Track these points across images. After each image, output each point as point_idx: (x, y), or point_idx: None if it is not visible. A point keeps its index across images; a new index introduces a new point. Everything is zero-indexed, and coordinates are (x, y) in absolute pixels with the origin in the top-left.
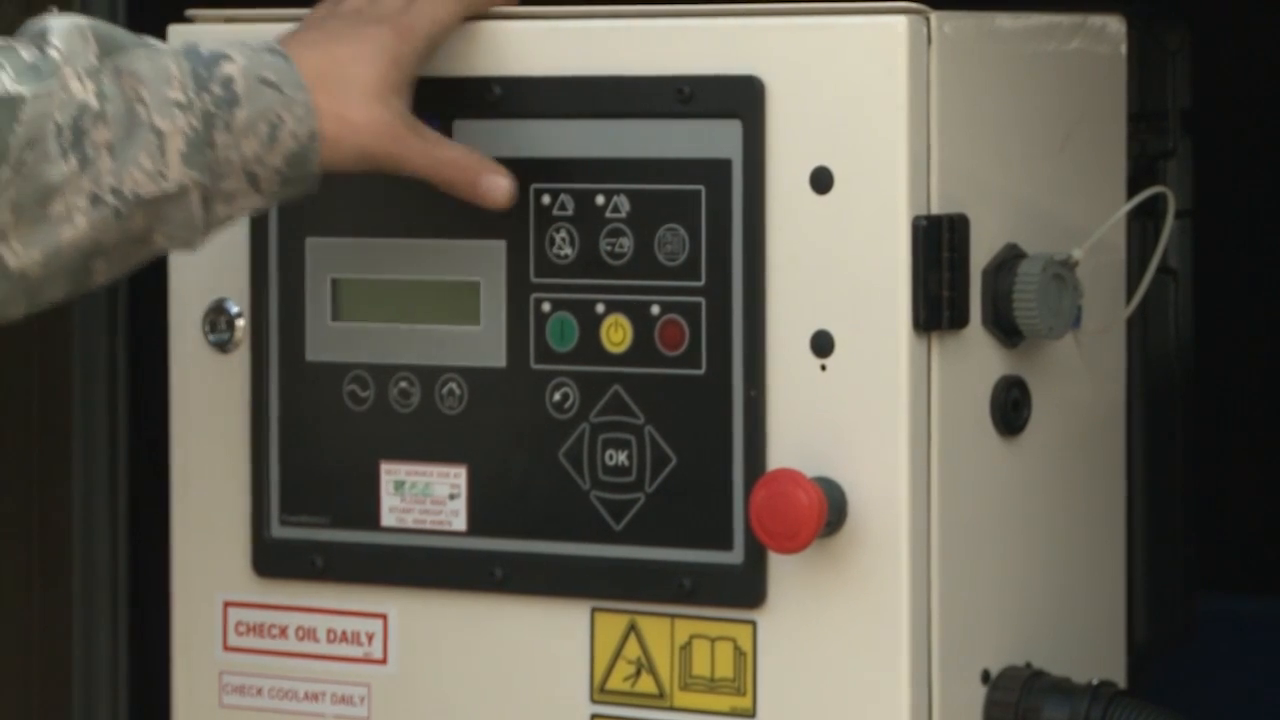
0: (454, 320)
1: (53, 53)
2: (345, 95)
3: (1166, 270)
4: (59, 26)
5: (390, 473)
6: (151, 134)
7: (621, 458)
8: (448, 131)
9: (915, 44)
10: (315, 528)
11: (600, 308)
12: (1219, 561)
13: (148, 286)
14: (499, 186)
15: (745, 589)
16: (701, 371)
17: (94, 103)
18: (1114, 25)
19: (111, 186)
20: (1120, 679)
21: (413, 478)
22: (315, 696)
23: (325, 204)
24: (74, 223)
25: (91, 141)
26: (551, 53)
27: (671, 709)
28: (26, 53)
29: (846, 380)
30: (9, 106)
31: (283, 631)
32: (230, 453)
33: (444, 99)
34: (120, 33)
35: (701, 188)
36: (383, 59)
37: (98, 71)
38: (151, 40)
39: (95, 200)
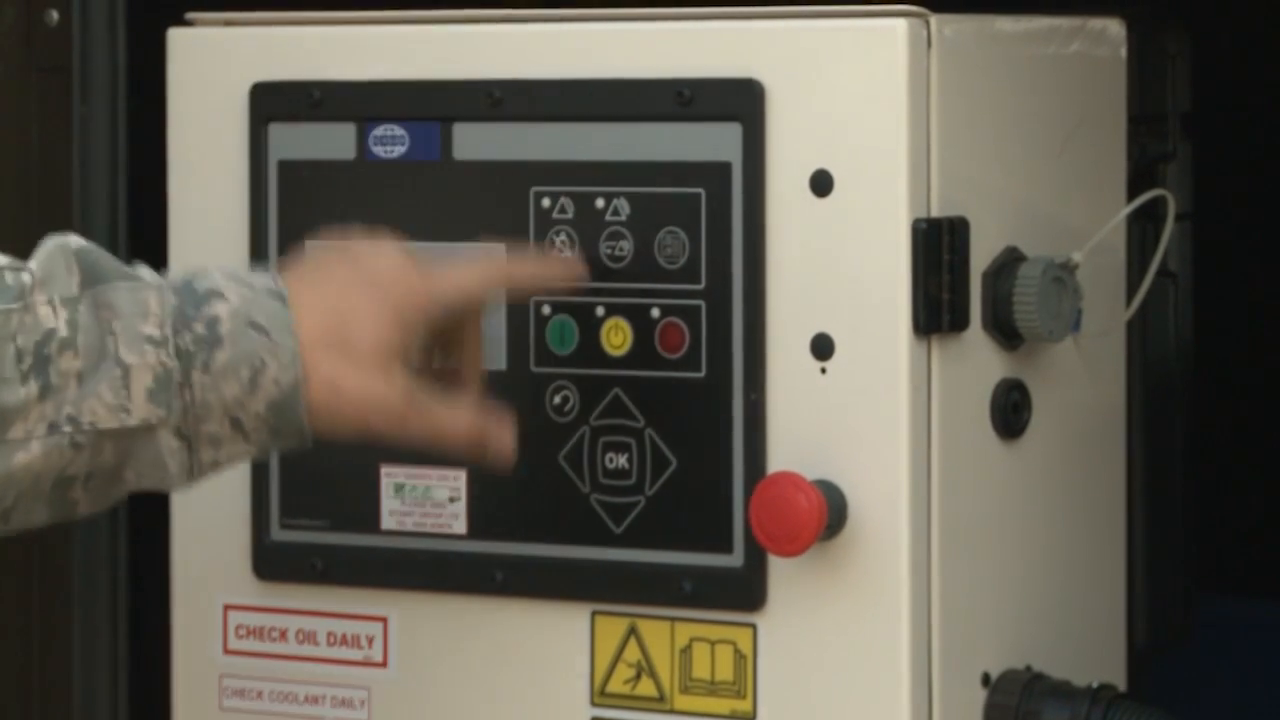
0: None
1: (25, 276)
2: (343, 362)
3: (1166, 273)
4: (44, 249)
5: (390, 476)
6: (117, 367)
7: (621, 461)
8: (448, 136)
9: (915, 47)
10: (315, 531)
11: (600, 310)
12: (1219, 564)
13: None
14: (504, 448)
15: (745, 592)
16: (701, 374)
17: (63, 330)
18: (1114, 28)
19: (69, 415)
20: (1120, 682)
21: (413, 481)
22: (315, 700)
23: (324, 206)
24: (29, 448)
25: (58, 369)
26: (551, 56)
27: (672, 712)
28: (9, 275)
29: (847, 383)
30: None
31: (283, 635)
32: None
33: (443, 103)
34: (109, 262)
35: (701, 191)
36: (389, 322)
37: (75, 300)
38: (144, 273)
39: (52, 428)
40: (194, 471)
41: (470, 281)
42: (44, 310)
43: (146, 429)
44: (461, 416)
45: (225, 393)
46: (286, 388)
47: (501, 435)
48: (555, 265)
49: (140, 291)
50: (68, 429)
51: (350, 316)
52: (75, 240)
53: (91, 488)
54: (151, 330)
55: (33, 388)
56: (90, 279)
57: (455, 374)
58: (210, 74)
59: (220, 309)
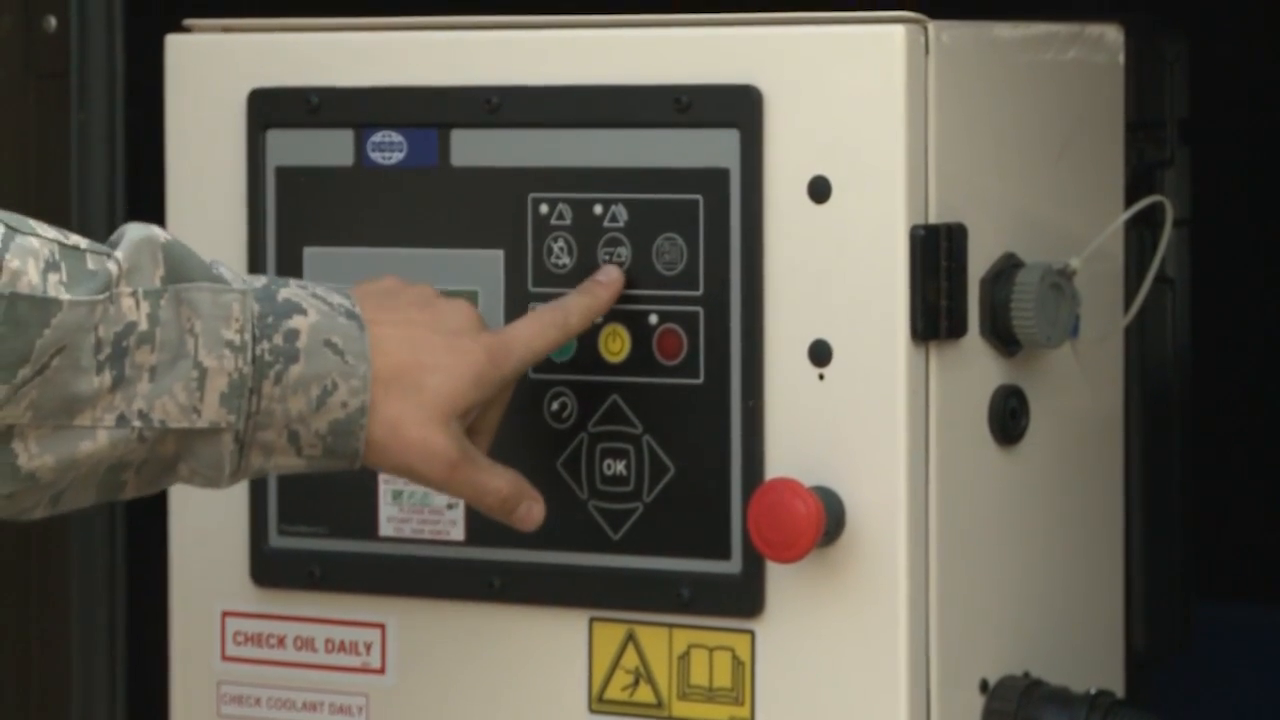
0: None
1: (112, 265)
2: (408, 405)
3: (1164, 279)
4: (131, 238)
5: (388, 482)
6: (194, 368)
7: (619, 467)
8: (446, 142)
9: (913, 53)
10: (313, 537)
11: (598, 317)
12: (1217, 570)
13: None
14: (534, 515)
15: (743, 598)
16: (699, 381)
17: (144, 324)
18: (1111, 34)
19: (140, 410)
20: (1119, 688)
21: (410, 487)
22: (313, 706)
23: (322, 213)
24: (95, 438)
25: (133, 361)
26: (548, 62)
27: (670, 718)
28: (92, 259)
29: (844, 390)
30: (42, 308)
31: (281, 641)
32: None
33: (441, 109)
34: (194, 260)
35: (699, 197)
36: (465, 380)
37: (158, 294)
38: (227, 274)
39: (121, 419)
40: (239, 473)
41: (542, 345)
42: (127, 302)
43: (213, 431)
44: (504, 474)
45: (291, 407)
46: (352, 412)
47: (533, 505)
48: (604, 293)
49: (224, 294)
50: (137, 423)
51: (429, 363)
52: (162, 233)
53: (144, 474)
54: (232, 335)
55: (106, 378)
56: (174, 275)
57: (471, 431)
58: (208, 80)
59: (300, 323)
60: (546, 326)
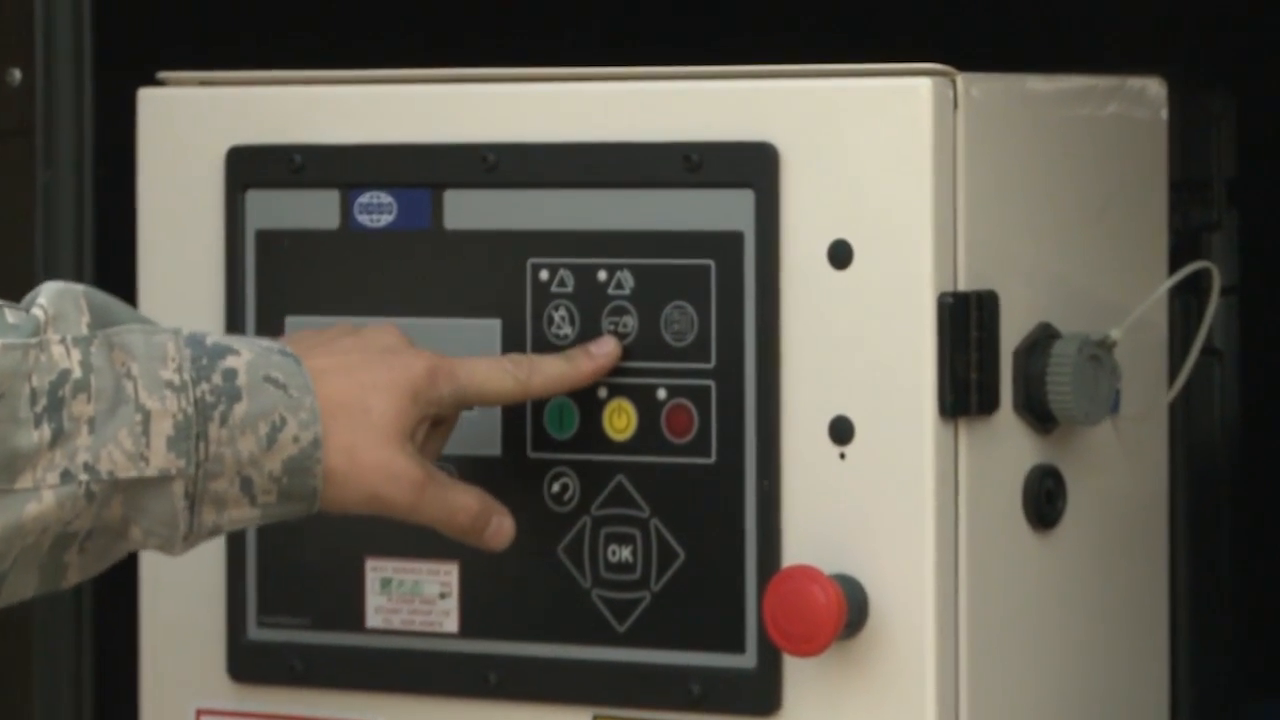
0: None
1: (38, 312)
2: (360, 430)
3: (1211, 351)
4: (50, 290)
5: (376, 569)
6: (137, 412)
7: (625, 553)
8: (439, 203)
9: (940, 108)
10: (295, 629)
11: (602, 392)
12: (1269, 665)
13: None
14: (505, 531)
15: (759, 695)
16: (711, 460)
17: (77, 371)
18: (1154, 88)
19: (86, 463)
20: None
21: (400, 575)
22: None
23: (306, 279)
24: (40, 498)
25: (70, 413)
26: (549, 117)
27: None
28: (11, 314)
29: (867, 469)
30: None
31: None
32: (203, 547)
33: (433, 168)
34: (117, 305)
35: (711, 262)
36: (405, 395)
37: (87, 340)
38: (150, 320)
39: (66, 476)
40: (191, 535)
41: (491, 389)
42: (58, 350)
43: (163, 480)
44: (471, 491)
45: (241, 449)
46: (305, 446)
47: (503, 520)
48: (586, 366)
49: (156, 335)
50: (84, 477)
51: (369, 382)
52: (78, 285)
53: (89, 549)
54: (171, 375)
55: (45, 432)
56: (100, 320)
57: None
58: (183, 137)
59: (235, 361)
60: (503, 375)
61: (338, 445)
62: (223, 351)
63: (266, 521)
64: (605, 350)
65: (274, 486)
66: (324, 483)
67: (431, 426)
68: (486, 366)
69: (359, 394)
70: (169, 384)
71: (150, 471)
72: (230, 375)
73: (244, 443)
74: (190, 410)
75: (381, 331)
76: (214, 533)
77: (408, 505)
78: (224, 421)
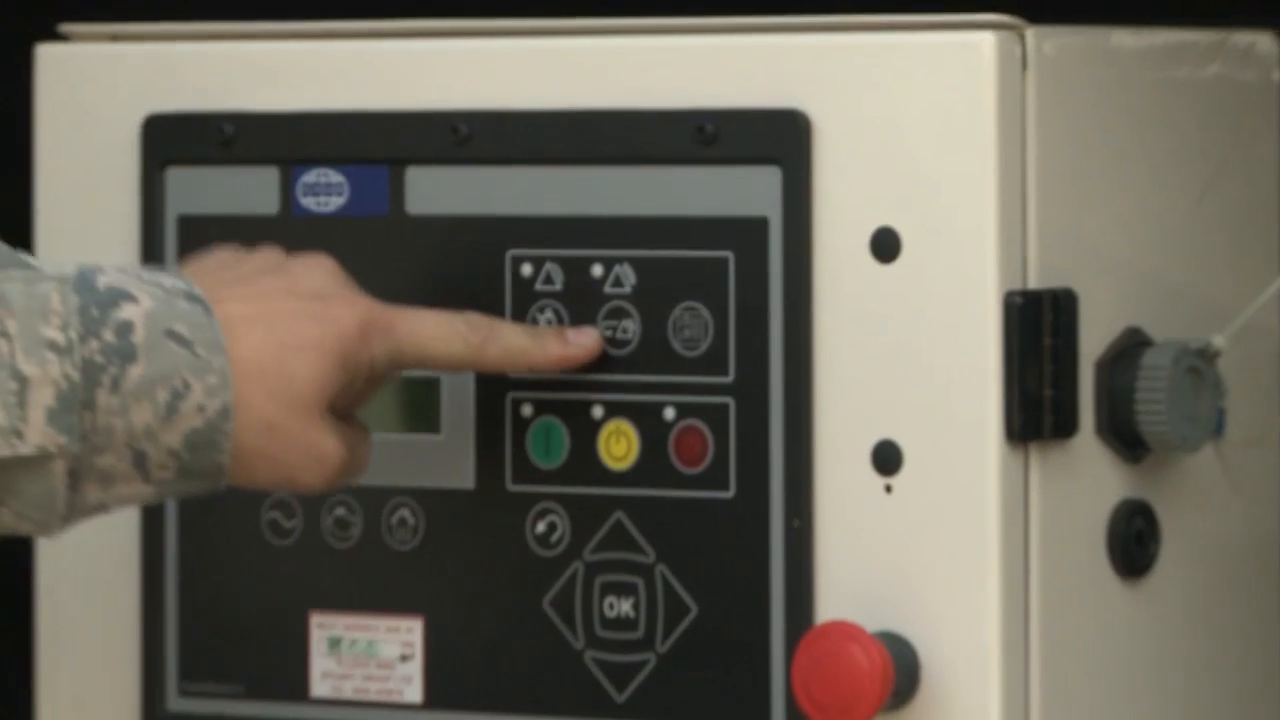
0: (406, 427)
1: None
2: (281, 401)
3: None
4: None
5: (323, 627)
6: (13, 379)
7: (625, 607)
8: (399, 184)
9: (1007, 69)
10: (225, 699)
11: (598, 411)
12: None
13: None
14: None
15: None
16: (729, 494)
17: None
18: (1264, 44)
19: None
20: None
21: (352, 634)
22: None
23: None
24: None
25: None
26: (532, 79)
27: None
28: None
29: (919, 505)
30: None
31: None
32: (113, 601)
33: (393, 140)
34: None
35: (729, 254)
36: (331, 357)
37: None
38: (33, 261)
39: None
40: (73, 513)
41: (436, 351)
42: None
43: (41, 459)
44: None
45: (134, 419)
46: (212, 417)
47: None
48: (554, 350)
49: (39, 284)
50: None
51: (293, 341)
52: None
53: None
54: (54, 334)
55: None
56: None
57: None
58: (91, 102)
59: (132, 312)
60: (452, 335)
61: (252, 420)
62: (117, 298)
63: (163, 499)
64: (583, 341)
65: (172, 462)
66: (232, 459)
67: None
68: (434, 324)
69: (279, 355)
70: (51, 344)
71: (26, 449)
72: (125, 330)
73: (138, 412)
74: (75, 376)
75: (312, 266)
76: (98, 511)
77: (325, 487)
78: (115, 387)
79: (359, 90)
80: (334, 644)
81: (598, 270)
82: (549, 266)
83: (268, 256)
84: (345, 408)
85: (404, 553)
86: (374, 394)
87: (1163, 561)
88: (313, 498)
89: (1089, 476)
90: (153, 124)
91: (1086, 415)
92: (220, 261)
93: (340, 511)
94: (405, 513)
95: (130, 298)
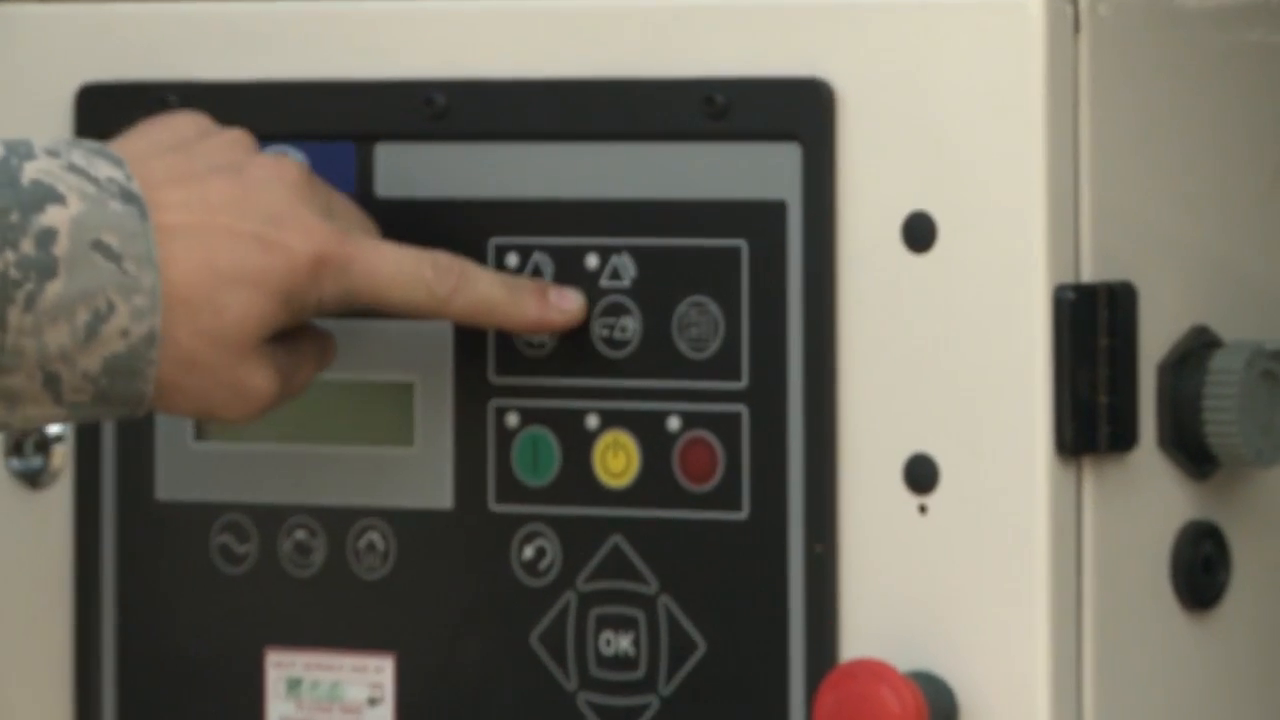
0: (376, 439)
1: None
2: (205, 336)
3: None
4: None
5: (281, 666)
6: None
7: (624, 643)
8: (367, 162)
9: (1057, 32)
10: None
11: (593, 421)
12: None
13: None
14: None
15: None
16: (743, 515)
17: None
18: None
19: None
20: None
21: (314, 674)
22: None
23: None
24: None
25: None
26: (518, 45)
27: None
28: None
29: (957, 528)
30: None
31: None
32: (41, 636)
33: (360, 112)
34: None
35: (743, 243)
36: (274, 296)
37: None
38: None
39: None
40: None
41: (398, 292)
42: None
43: None
44: (314, 366)
45: (49, 341)
46: (135, 343)
47: None
48: (532, 308)
49: None
50: None
51: (230, 270)
52: None
53: None
54: None
55: None
56: None
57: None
58: (18, 70)
59: (57, 217)
60: (414, 279)
61: (174, 354)
62: (42, 199)
63: (73, 421)
64: (565, 306)
65: (89, 386)
66: (154, 384)
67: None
68: (395, 264)
69: (213, 285)
70: None
71: None
72: (46, 240)
73: (54, 333)
74: None
75: (274, 177)
76: (1, 429)
77: (247, 421)
78: (30, 305)
79: (320, 56)
80: (293, 686)
81: (592, 261)
82: (537, 257)
83: (229, 142)
84: (292, 362)
85: (373, 582)
86: (323, 355)
87: (1233, 591)
88: (269, 522)
89: (1150, 495)
90: (88, 94)
91: (1147, 426)
92: (172, 136)
93: (300, 535)
94: (374, 536)
95: (57, 198)
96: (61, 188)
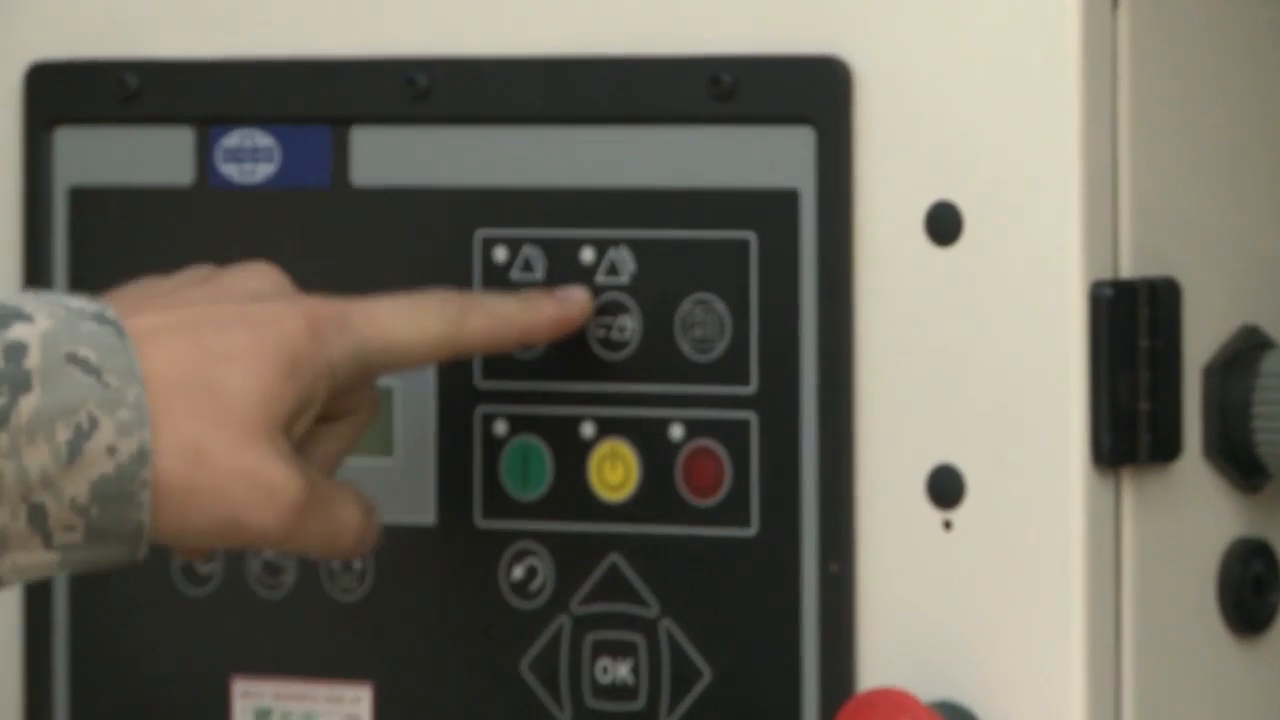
0: (353, 449)
1: None
2: (207, 421)
3: None
4: None
5: (248, 696)
6: None
7: (623, 671)
8: (343, 148)
9: (1093, 7)
10: None
11: (589, 429)
12: None
13: None
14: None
15: None
16: (752, 532)
17: None
18: None
19: None
20: None
21: (285, 704)
22: None
23: (145, 261)
24: None
25: None
26: (507, 21)
27: None
28: None
29: (985, 546)
30: None
31: None
32: None
33: (335, 94)
34: None
35: (751, 235)
36: (276, 366)
37: None
38: None
39: None
40: None
41: (409, 337)
42: None
43: None
44: (355, 505)
45: (28, 463)
46: (125, 461)
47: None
48: (548, 311)
49: None
50: None
51: (219, 349)
52: None
53: None
54: None
55: None
56: None
57: (308, 451)
58: None
59: (25, 332)
60: (423, 315)
61: (174, 444)
62: (8, 317)
63: (70, 571)
64: (575, 297)
65: (79, 520)
66: (157, 504)
67: (323, 418)
68: (393, 303)
69: (205, 365)
70: None
71: None
72: (17, 352)
73: (33, 454)
74: None
75: (249, 273)
76: None
77: (281, 534)
78: (3, 422)
79: (293, 33)
80: (262, 716)
81: (588, 255)
82: (527, 250)
83: (197, 270)
84: (319, 457)
85: (348, 604)
86: (351, 438)
87: None
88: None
89: (1195, 510)
90: (38, 74)
91: (1192, 434)
92: (143, 286)
93: (270, 552)
94: None
95: (24, 316)
96: (28, 308)
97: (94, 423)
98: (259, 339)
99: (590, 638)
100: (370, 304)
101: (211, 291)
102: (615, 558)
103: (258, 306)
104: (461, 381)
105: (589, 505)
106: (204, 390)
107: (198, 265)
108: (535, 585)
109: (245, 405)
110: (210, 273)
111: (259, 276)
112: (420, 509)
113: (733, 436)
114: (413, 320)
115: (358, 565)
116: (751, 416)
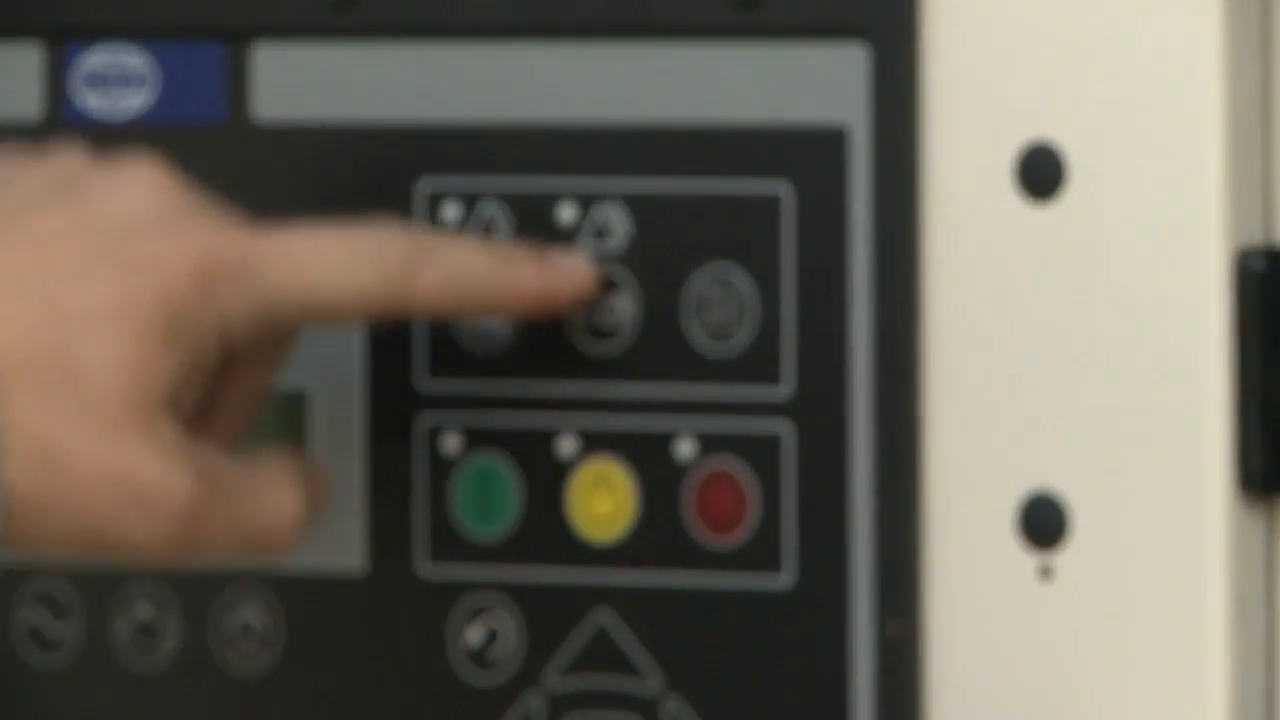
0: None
1: None
2: (60, 408)
3: None
4: None
5: None
6: None
7: None
8: (241, 73)
9: None
10: None
11: (568, 446)
12: None
13: None
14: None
15: None
16: (783, 582)
17: None
18: None
19: None
20: None
21: None
22: None
23: None
24: None
25: None
26: None
27: None
28: None
29: (1093, 597)
30: None
31: None
32: None
33: (242, 4)
34: None
35: (785, 187)
36: (152, 324)
37: None
38: None
39: None
40: None
41: (335, 286)
42: None
43: None
44: (288, 493)
45: None
46: None
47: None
48: (530, 278)
49: None
50: None
51: (78, 313)
52: None
53: None
54: None
55: None
56: None
57: (205, 419)
58: None
59: None
60: (359, 263)
61: (22, 444)
62: None
63: None
64: (570, 269)
65: None
66: (10, 514)
67: (223, 374)
68: (319, 245)
69: (58, 334)
70: None
71: None
72: None
73: None
74: None
75: (124, 181)
76: None
77: (164, 547)
78: None
79: None
80: None
81: (567, 214)
82: (486, 208)
83: (60, 166)
84: (216, 425)
85: (249, 680)
86: (254, 396)
87: None
88: (97, 593)
89: None
90: None
91: None
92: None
93: (144, 611)
94: (251, 614)
95: None
96: None
97: None
98: (130, 293)
99: (571, 717)
100: (285, 240)
101: (72, 218)
102: (603, 615)
103: (132, 244)
104: (399, 381)
105: (569, 546)
106: (58, 369)
107: (56, 150)
108: (498, 653)
109: (110, 388)
110: (71, 175)
111: (139, 190)
112: (343, 552)
113: (759, 455)
114: (341, 267)
115: (260, 626)
116: (785, 428)
